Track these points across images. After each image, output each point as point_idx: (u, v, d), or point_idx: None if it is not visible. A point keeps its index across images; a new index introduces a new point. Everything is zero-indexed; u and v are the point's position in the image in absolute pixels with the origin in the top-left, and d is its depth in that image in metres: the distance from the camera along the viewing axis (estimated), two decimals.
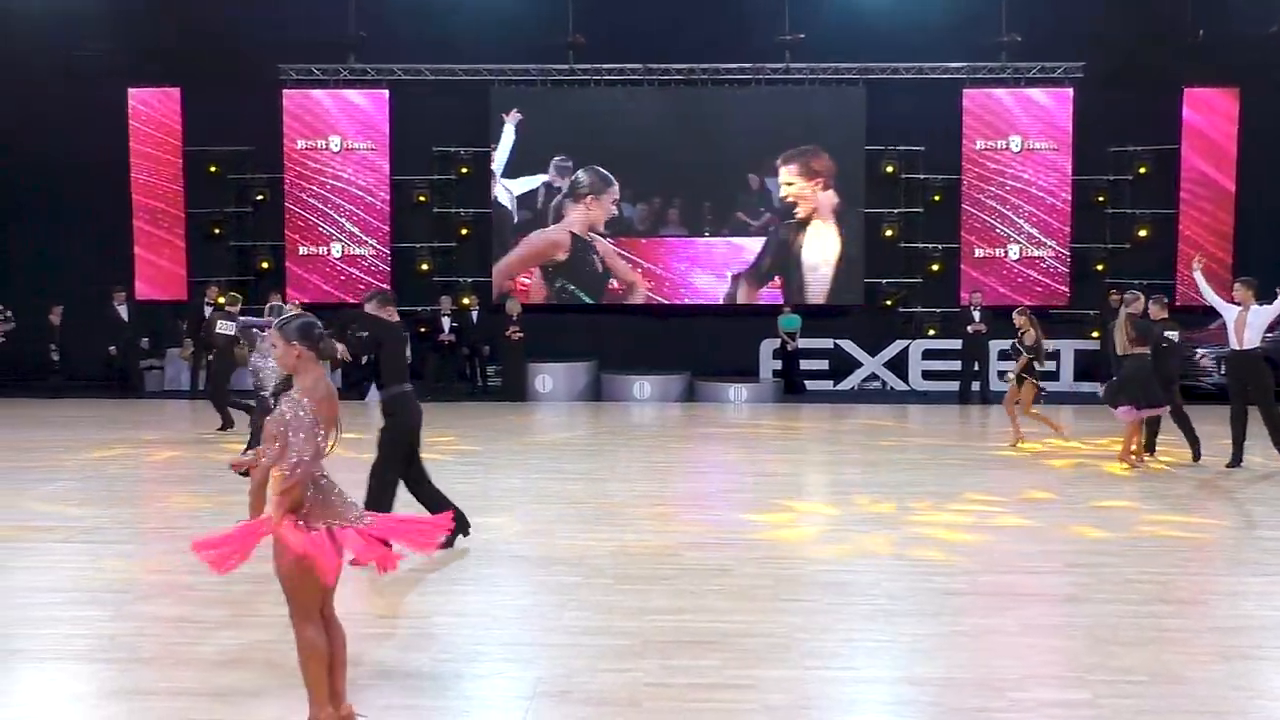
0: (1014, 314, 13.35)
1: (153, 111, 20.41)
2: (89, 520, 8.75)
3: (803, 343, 19.40)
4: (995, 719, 4.77)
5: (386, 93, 20.20)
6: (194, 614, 6.29)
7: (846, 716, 4.80)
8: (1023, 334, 12.98)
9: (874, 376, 19.94)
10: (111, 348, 15.66)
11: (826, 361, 19.86)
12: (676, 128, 19.74)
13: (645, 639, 5.81)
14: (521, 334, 18.22)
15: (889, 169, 19.85)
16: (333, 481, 4.46)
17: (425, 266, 20.39)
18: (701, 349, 19.66)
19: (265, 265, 20.45)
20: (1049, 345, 14.78)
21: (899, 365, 19.85)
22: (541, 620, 6.20)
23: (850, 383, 19.83)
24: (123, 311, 18.55)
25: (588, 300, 19.76)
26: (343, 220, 20.39)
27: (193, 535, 4.77)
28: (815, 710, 4.85)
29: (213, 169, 20.38)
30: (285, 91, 20.14)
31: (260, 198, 20.51)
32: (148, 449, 12.45)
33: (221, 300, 18.50)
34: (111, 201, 20.07)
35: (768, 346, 19.76)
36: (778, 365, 19.63)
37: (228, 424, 13.65)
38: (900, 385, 19.77)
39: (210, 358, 14.92)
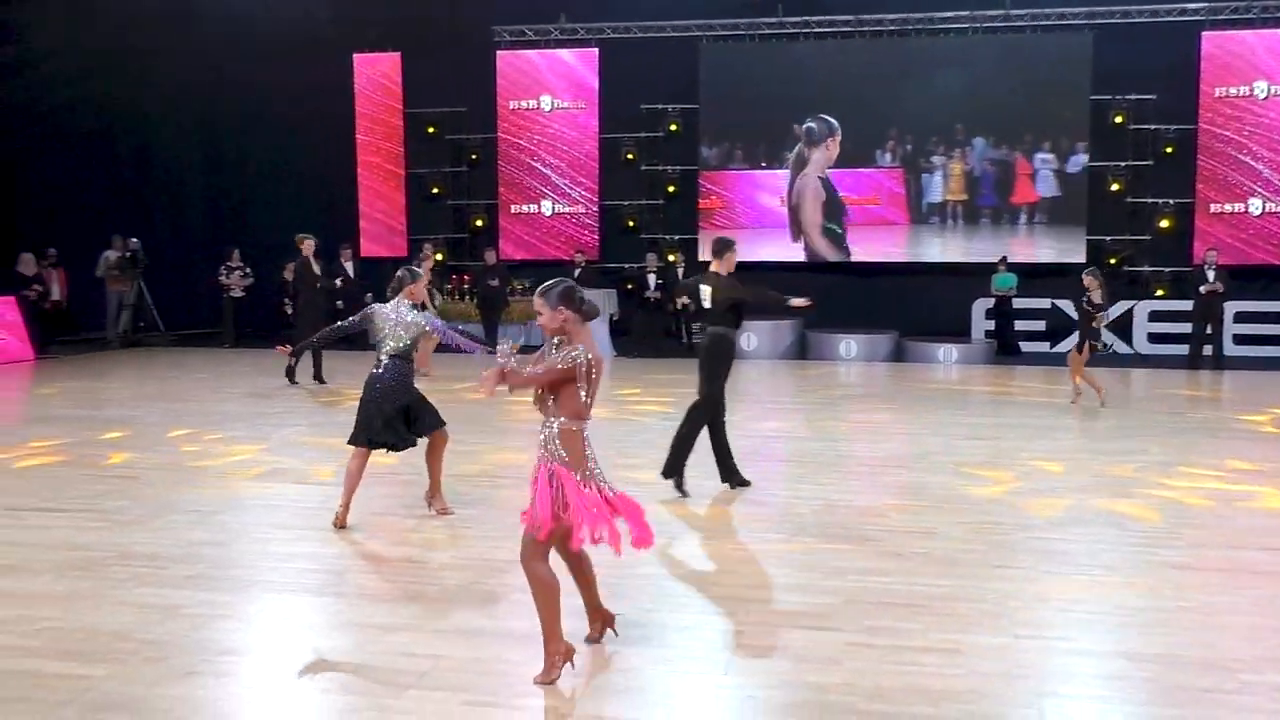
0: (1083, 274, 13.04)
1: (376, 76, 21.33)
2: (322, 464, 9.31)
3: (1019, 303, 18.68)
4: (1225, 702, 4.52)
5: (596, 51, 20.46)
6: (417, 554, 6.63)
7: (1061, 688, 4.64)
8: (1090, 294, 12.75)
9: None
10: (339, 301, 16.57)
11: (1043, 322, 19.08)
12: (889, 79, 19.23)
13: (847, 598, 5.77)
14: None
15: (1117, 119, 18.80)
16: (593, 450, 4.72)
17: (632, 223, 20.64)
18: (911, 308, 19.18)
19: (479, 223, 21.14)
20: None
21: (1123, 327, 18.87)
22: (744, 575, 6.24)
23: (1069, 345, 18.97)
24: (349, 268, 19.53)
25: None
26: (553, 177, 20.84)
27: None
28: (1027, 679, 4.71)
29: (430, 130, 21.15)
30: (499, 53, 20.69)
31: (474, 157, 21.19)
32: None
33: (439, 256, 19.28)
34: (339, 163, 21.16)
35: (980, 306, 19.13)
36: (991, 325, 18.98)
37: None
38: (1124, 348, 18.80)
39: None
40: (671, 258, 19.59)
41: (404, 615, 5.49)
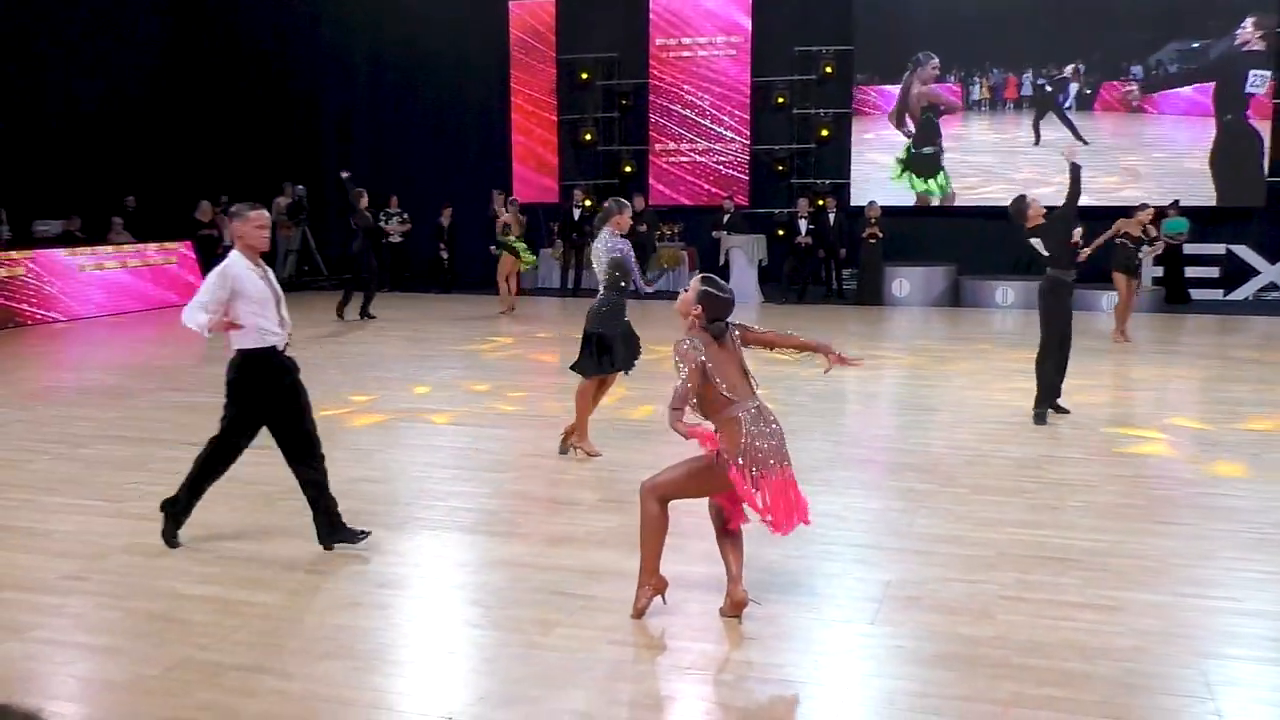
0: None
1: (530, 20, 21.45)
2: (471, 405, 9.55)
3: (1191, 248, 17.76)
4: None
5: None
6: (565, 495, 6.76)
7: (1226, 648, 4.45)
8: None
9: (1273, 286, 17.99)
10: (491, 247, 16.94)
11: (1217, 269, 18.11)
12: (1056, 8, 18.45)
13: (1000, 551, 5.64)
14: (880, 235, 17.85)
15: None
16: (762, 426, 4.55)
17: (782, 168, 20.36)
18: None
19: (629, 169, 21.16)
20: None
21: None
22: (892, 525, 6.16)
23: (1244, 293, 18.01)
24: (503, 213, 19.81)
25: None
26: (703, 122, 20.68)
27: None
28: (1189, 639, 4.54)
29: (584, 76, 21.20)
30: None
31: (625, 103, 21.17)
32: (523, 342, 13.40)
33: (589, 202, 19.39)
34: (493, 110, 21.44)
35: (1149, 251, 18.23)
36: (1159, 272, 18.11)
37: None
38: None
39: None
40: (822, 203, 19.26)
41: (553, 555, 5.61)
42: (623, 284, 7.47)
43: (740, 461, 4.50)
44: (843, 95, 19.86)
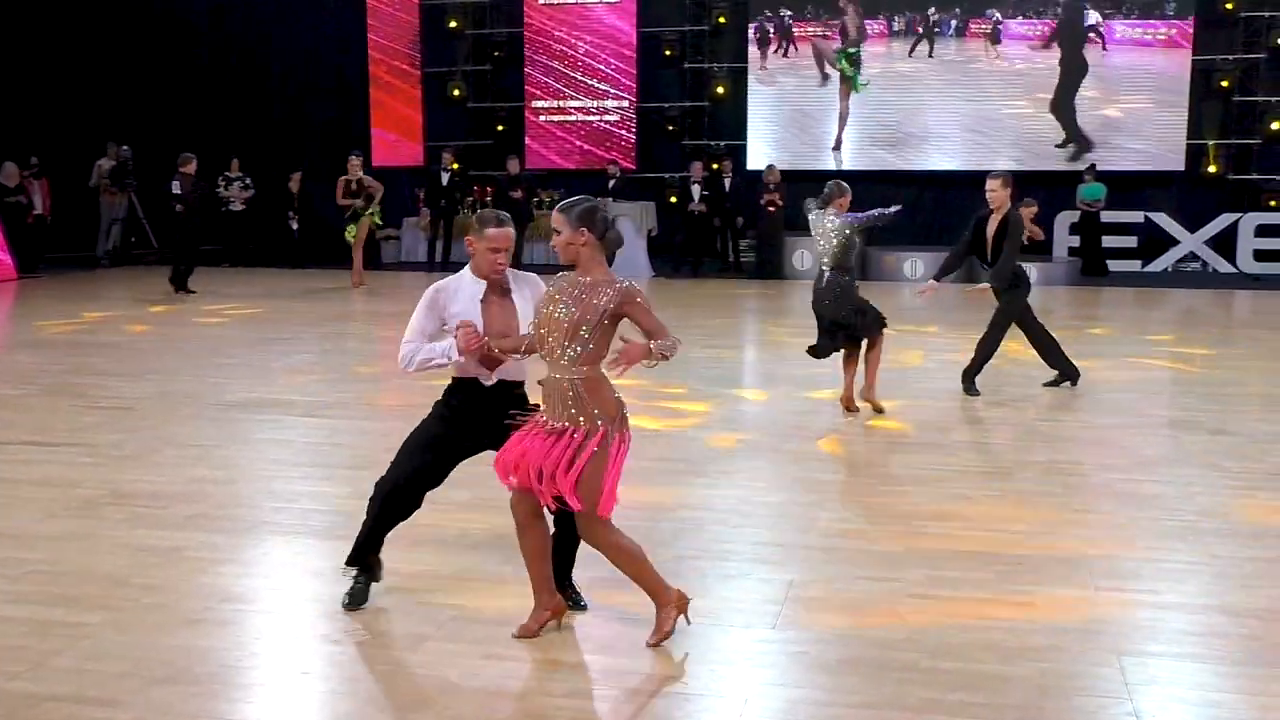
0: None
1: None
2: (328, 394, 9.39)
3: (1106, 216, 18.39)
4: None
5: None
6: (433, 494, 6.67)
7: (1145, 644, 4.63)
8: None
9: (1193, 256, 18.75)
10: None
11: (1135, 238, 18.81)
12: None
13: (909, 546, 5.77)
14: (779, 203, 18.04)
15: (1228, 4, 18.29)
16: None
17: (674, 128, 20.43)
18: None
19: (501, 128, 21.01)
20: None
21: (1225, 244, 18.56)
22: (796, 520, 6.25)
23: (1163, 263, 18.74)
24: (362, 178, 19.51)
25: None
26: (587, 80, 20.63)
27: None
28: (1106, 635, 4.70)
29: (452, 24, 20.95)
30: None
31: (498, 54, 20.99)
32: (384, 322, 13.22)
33: (456, 166, 19.20)
34: (350, 63, 21.04)
35: (1064, 220, 18.84)
36: (1075, 242, 18.72)
37: None
38: (1225, 267, 18.51)
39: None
40: (718, 166, 19.41)
41: (420, 561, 5.55)
42: (850, 265, 8.43)
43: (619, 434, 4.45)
44: (738, 48, 20.01)
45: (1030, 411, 9.05)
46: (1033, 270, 17.38)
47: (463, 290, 4.88)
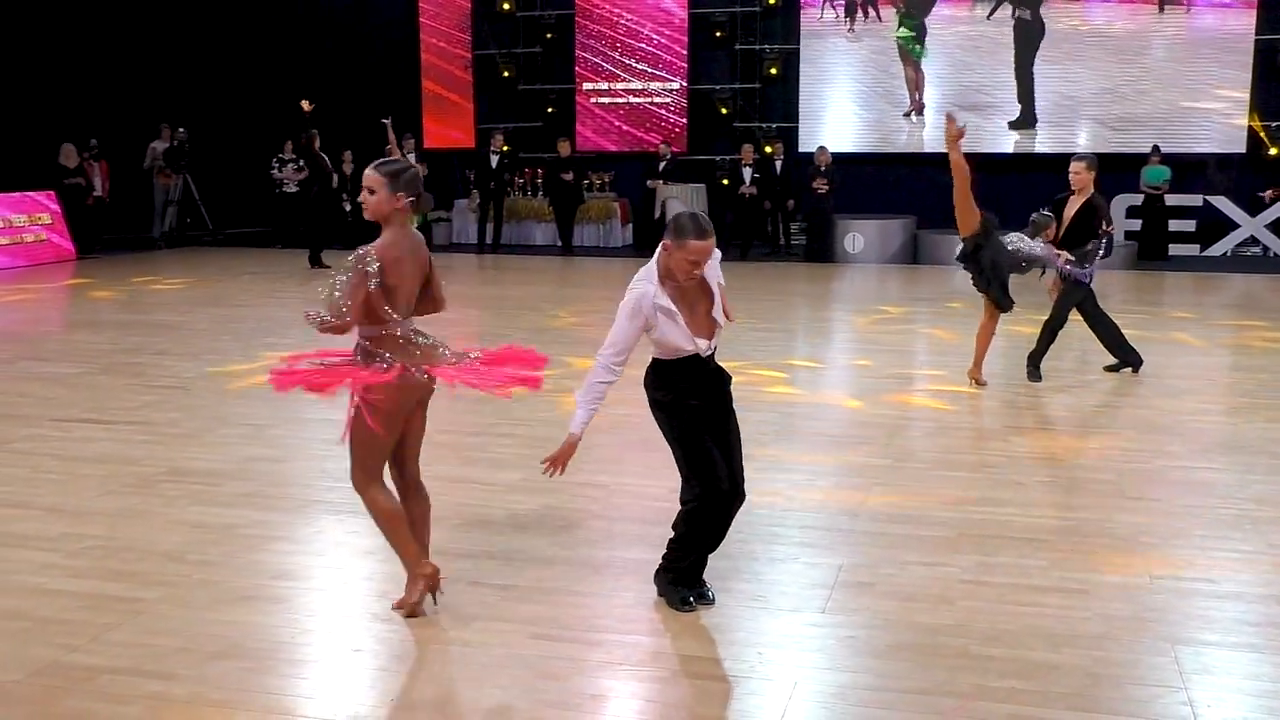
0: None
1: None
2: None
3: (1169, 199, 18.10)
4: None
5: None
6: (482, 475, 6.73)
7: (1200, 634, 4.58)
8: None
9: (1253, 241, 18.43)
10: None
11: (1193, 222, 18.51)
12: None
13: (960, 531, 5.74)
14: (829, 185, 17.93)
15: None
16: (432, 342, 4.70)
17: (725, 110, 20.36)
18: (1039, 204, 18.67)
19: (551, 110, 21.02)
20: None
21: None
22: (844, 504, 6.23)
23: (1222, 248, 18.43)
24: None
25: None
26: (636, 61, 20.59)
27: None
28: (1161, 624, 4.65)
29: (504, 6, 20.96)
30: None
31: (549, 36, 20.99)
32: None
33: (506, 148, 19.24)
34: (401, 45, 21.12)
35: (1122, 203, 18.57)
36: (1135, 225, 18.43)
37: None
38: None
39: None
40: (770, 149, 19.32)
41: (470, 541, 5.59)
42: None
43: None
44: (789, 29, 19.88)
45: (1087, 396, 8.95)
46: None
47: (658, 304, 4.49)
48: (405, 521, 4.69)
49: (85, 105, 19.61)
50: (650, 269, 4.56)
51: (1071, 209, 8.99)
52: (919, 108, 19.50)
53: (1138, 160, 18.17)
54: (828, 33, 19.85)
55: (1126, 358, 9.43)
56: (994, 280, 8.83)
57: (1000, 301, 8.87)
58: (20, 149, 18.52)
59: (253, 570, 5.23)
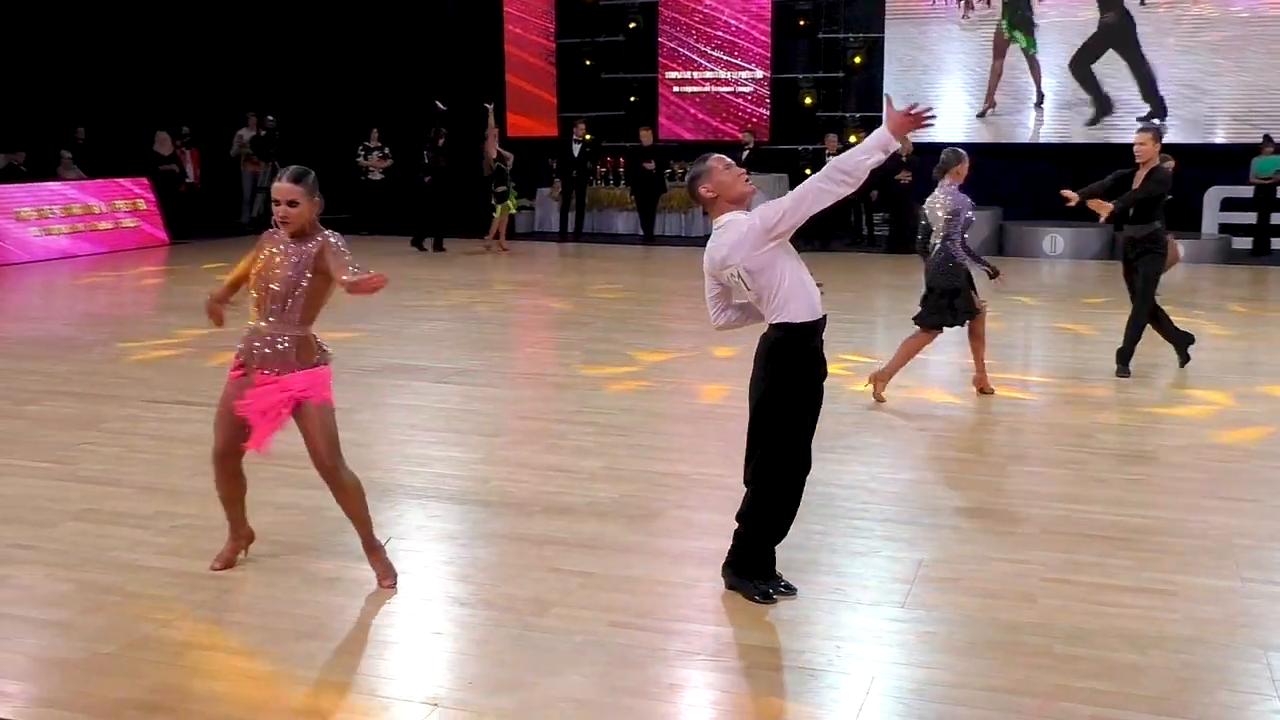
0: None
1: None
2: (460, 361, 9.55)
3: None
4: None
5: None
6: (564, 462, 6.77)
7: None
8: None
9: None
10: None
11: None
12: None
13: (1044, 528, 5.65)
14: (912, 177, 17.71)
15: None
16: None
17: (809, 100, 20.22)
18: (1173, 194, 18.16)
19: (634, 99, 21.02)
20: None
21: None
22: (926, 498, 6.17)
23: None
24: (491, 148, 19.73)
25: None
26: (719, 50, 20.52)
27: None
28: (1253, 629, 4.54)
29: None
30: None
31: (633, 25, 21.00)
32: (516, 291, 13.39)
33: (589, 137, 19.30)
34: (485, 34, 21.26)
35: (1215, 196, 18.12)
36: (1228, 218, 17.94)
37: None
38: None
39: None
40: (854, 139, 19.14)
41: (550, 528, 5.63)
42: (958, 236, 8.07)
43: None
44: (871, 19, 19.68)
45: (1175, 392, 8.76)
46: (1179, 246, 16.94)
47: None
48: (242, 495, 4.99)
49: (177, 94, 20.01)
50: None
51: (1137, 181, 8.84)
52: (992, 104, 19.18)
53: (1249, 152, 17.64)
54: (913, 21, 19.60)
55: (1177, 341, 9.29)
56: (949, 307, 8.26)
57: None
58: (117, 137, 18.98)
59: (338, 552, 5.31)
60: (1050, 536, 5.53)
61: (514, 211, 17.84)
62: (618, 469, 6.58)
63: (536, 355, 10.12)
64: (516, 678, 4.13)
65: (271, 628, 4.50)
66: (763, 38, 20.29)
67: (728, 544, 4.88)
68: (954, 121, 19.31)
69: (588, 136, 19.36)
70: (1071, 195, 9.03)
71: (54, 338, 10.58)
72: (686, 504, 6.01)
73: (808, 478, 4.83)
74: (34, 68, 18.38)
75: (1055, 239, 17.59)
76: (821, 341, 4.76)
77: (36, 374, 9.02)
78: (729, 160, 4.76)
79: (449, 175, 17.79)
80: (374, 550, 4.95)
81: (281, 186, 4.70)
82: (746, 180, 4.76)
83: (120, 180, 18.22)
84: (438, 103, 17.23)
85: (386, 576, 4.90)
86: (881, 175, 18.29)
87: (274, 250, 4.81)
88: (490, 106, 16.68)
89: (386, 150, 20.21)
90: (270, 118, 20.72)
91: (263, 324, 4.80)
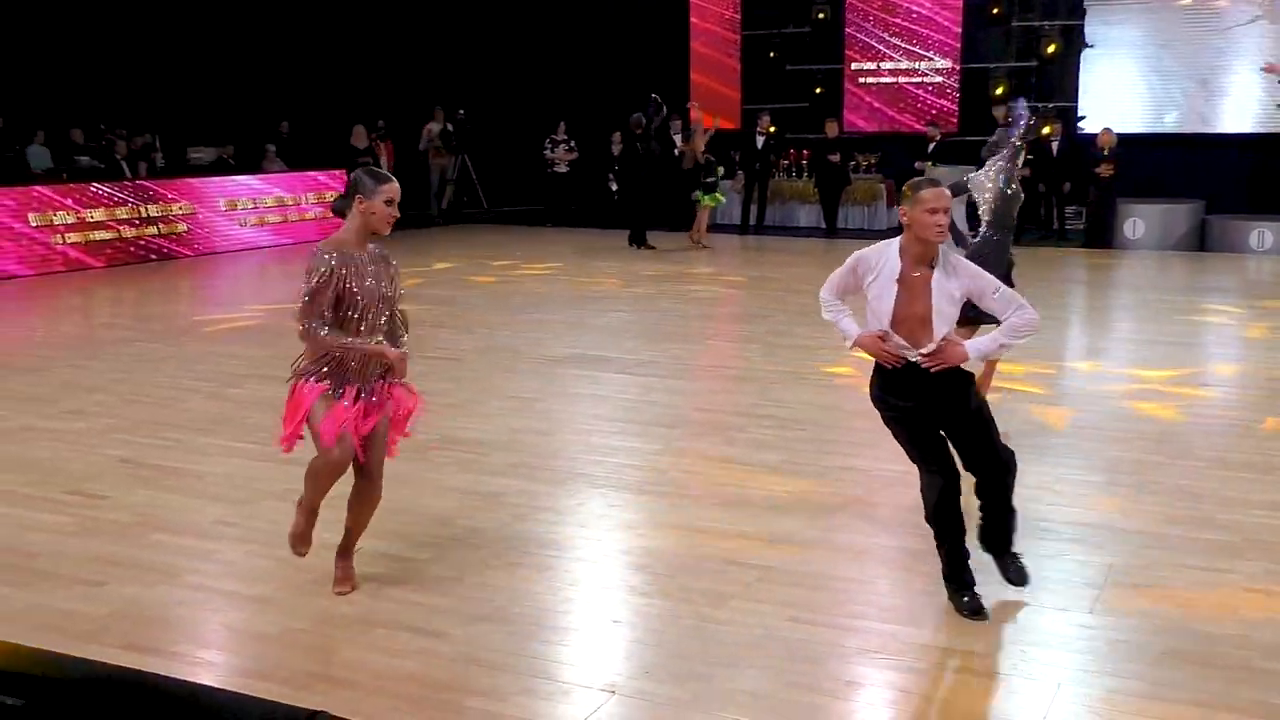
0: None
1: None
2: (642, 353, 9.63)
3: None
4: None
5: None
6: (743, 455, 6.77)
7: None
8: None
9: None
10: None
11: None
12: None
13: (1247, 536, 5.39)
14: (1114, 169, 17.04)
15: None
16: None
17: (1000, 90, 19.67)
18: None
19: (819, 90, 20.80)
20: None
21: None
22: (1118, 501, 5.95)
23: None
24: (679, 140, 19.81)
25: None
26: (906, 41, 20.16)
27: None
28: None
29: None
30: None
31: (820, 16, 20.77)
32: (698, 282, 13.42)
33: (773, 129, 19.20)
34: (671, 26, 21.35)
35: None
36: None
37: None
38: None
39: None
40: (1048, 130, 18.53)
41: (728, 521, 5.64)
42: (1010, 222, 7.69)
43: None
44: (1070, 4, 19.03)
45: None
46: None
47: (886, 267, 4.50)
48: (334, 480, 4.84)
49: (373, 89, 20.71)
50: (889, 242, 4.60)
51: None
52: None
53: None
54: (1114, 6, 18.86)
55: None
56: None
57: None
58: (316, 131, 19.77)
59: (518, 538, 5.43)
60: (1252, 545, 5.28)
61: (722, 202, 18.00)
62: (796, 463, 6.55)
63: (716, 347, 10.13)
64: (693, 668, 4.15)
65: (453, 610, 4.64)
66: (953, 27, 19.84)
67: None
68: (1128, 112, 18.52)
69: (771, 129, 19.26)
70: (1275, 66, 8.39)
71: (255, 323, 11.09)
72: (866, 499, 5.95)
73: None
74: (243, 64, 19.28)
75: (1263, 234, 16.70)
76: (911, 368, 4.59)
77: (239, 358, 9.48)
78: (937, 199, 4.41)
79: (661, 166, 18.02)
80: (348, 555, 4.91)
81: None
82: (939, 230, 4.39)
83: (316, 173, 18.93)
84: (654, 95, 17.46)
85: (345, 583, 4.83)
86: (1077, 167, 17.73)
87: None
88: (697, 105, 16.96)
89: (573, 144, 20.50)
90: (460, 111, 21.26)
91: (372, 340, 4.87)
